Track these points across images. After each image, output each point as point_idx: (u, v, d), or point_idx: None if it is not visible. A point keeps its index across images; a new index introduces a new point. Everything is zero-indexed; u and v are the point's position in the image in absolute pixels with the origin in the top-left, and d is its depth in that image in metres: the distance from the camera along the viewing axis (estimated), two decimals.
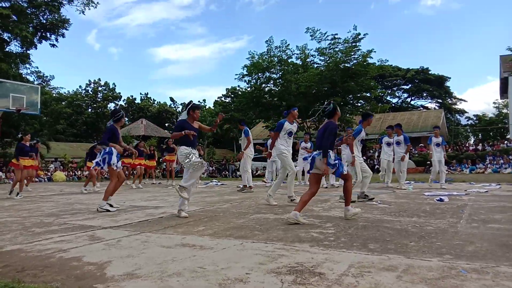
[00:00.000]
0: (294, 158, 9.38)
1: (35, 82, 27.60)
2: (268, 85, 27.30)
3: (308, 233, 3.97)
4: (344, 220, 4.78)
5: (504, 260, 2.77)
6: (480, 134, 44.78)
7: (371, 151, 23.39)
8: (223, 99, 49.15)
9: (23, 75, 25.45)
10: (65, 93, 47.56)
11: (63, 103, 43.45)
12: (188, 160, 5.21)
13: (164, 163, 15.36)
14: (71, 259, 3.04)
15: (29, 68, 26.97)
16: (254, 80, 26.78)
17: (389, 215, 5.13)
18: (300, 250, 3.20)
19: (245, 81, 27.23)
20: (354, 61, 23.71)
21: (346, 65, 23.77)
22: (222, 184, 14.13)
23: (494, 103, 46.41)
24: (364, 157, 22.89)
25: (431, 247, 3.23)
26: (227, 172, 26.05)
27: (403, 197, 7.62)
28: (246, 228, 4.32)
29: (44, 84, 29.65)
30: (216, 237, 3.83)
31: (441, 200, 6.72)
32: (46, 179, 22.11)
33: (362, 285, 2.27)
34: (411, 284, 2.27)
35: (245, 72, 26.38)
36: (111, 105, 49.38)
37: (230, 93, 46.11)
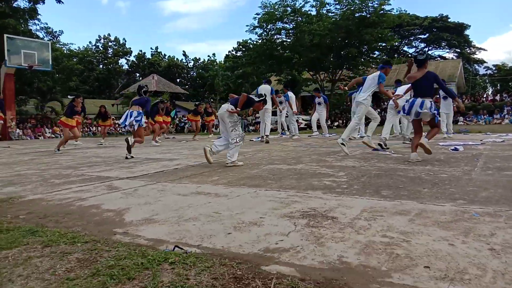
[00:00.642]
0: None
1: (45, 39, 27.37)
2: (280, 36, 26.59)
3: (321, 181, 4.00)
4: (357, 169, 4.79)
5: None
6: (498, 85, 43.49)
7: (385, 103, 22.99)
8: (234, 53, 48.28)
9: (33, 31, 25.23)
10: (75, 49, 47.24)
11: (74, 59, 43.31)
12: (235, 123, 5.62)
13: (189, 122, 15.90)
14: (90, 207, 3.14)
15: (38, 24, 26.69)
16: (266, 32, 26.09)
17: (403, 164, 5.12)
18: (313, 197, 3.24)
19: (256, 33, 26.55)
20: (371, 9, 22.75)
21: (362, 14, 22.87)
22: None
23: None
24: (379, 109, 22.60)
25: (445, 193, 3.23)
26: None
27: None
28: (260, 178, 4.37)
29: (54, 40, 29.40)
30: (230, 186, 3.90)
31: (456, 149, 6.65)
32: (61, 135, 22.51)
33: (374, 228, 2.30)
34: (424, 227, 2.29)
35: (256, 24, 25.66)
36: (122, 61, 49.09)
37: (241, 47, 45.21)
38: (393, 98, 7.67)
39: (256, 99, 5.97)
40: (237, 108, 5.63)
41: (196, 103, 16.47)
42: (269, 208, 2.88)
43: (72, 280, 1.66)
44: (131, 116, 7.40)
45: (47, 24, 39.30)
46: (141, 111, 7.52)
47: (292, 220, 2.53)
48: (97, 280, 1.66)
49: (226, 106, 5.63)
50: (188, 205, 3.07)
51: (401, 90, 8.41)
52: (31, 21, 25.14)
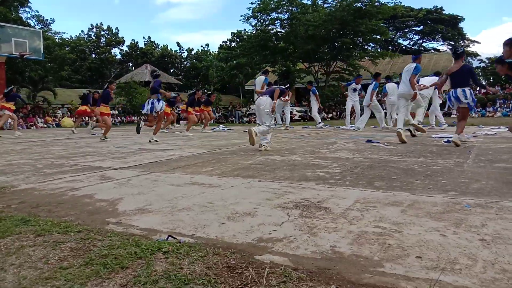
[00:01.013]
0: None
1: (36, 27, 26.99)
2: (274, 27, 26.45)
3: (314, 172, 4.01)
4: (350, 161, 4.81)
5: (509, 196, 2.79)
6: (491, 78, 43.72)
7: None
8: (228, 43, 47.98)
9: (24, 19, 24.85)
10: (67, 38, 46.63)
11: (66, 48, 42.79)
12: (269, 112, 6.23)
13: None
14: (83, 197, 3.12)
15: (29, 12, 26.30)
16: (260, 22, 25.93)
17: (396, 156, 5.15)
18: (306, 188, 3.25)
19: (250, 23, 26.40)
20: (367, 0, 22.69)
21: (358, 4, 22.79)
22: (229, 129, 14.19)
23: None
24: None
25: (437, 185, 3.26)
26: (233, 118, 26.07)
27: (410, 139, 7.60)
28: (253, 169, 4.38)
29: (45, 28, 29.05)
30: (224, 177, 3.90)
31: (448, 142, 6.70)
32: (54, 125, 22.34)
33: (367, 218, 2.32)
34: (416, 218, 2.31)
35: (250, 14, 25.49)
36: (115, 50, 48.58)
37: (235, 37, 44.94)
38: (418, 87, 7.77)
39: (282, 87, 6.98)
40: (274, 100, 6.30)
41: (209, 92, 16.23)
42: (262, 198, 2.89)
43: (65, 269, 1.66)
44: (148, 104, 8.43)
45: (38, 12, 38.65)
46: (154, 99, 8.35)
47: (286, 210, 2.54)
48: (90, 269, 1.65)
49: (266, 99, 6.26)
50: (181, 195, 3.07)
51: (427, 81, 8.81)
52: (21, 9, 24.77)
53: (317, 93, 13.77)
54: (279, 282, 1.50)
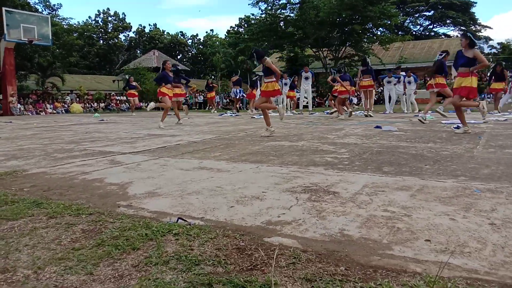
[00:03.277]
0: None
1: (44, 12, 26.97)
2: (284, 11, 26.09)
3: (322, 158, 4.01)
4: (359, 146, 4.80)
5: None
6: (503, 63, 42.93)
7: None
8: (236, 28, 47.56)
9: (31, 5, 24.84)
10: (75, 24, 46.60)
11: (74, 34, 42.80)
12: None
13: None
14: (93, 180, 3.16)
15: None
16: (270, 6, 25.58)
17: (405, 142, 5.12)
18: (315, 173, 3.25)
19: (259, 7, 26.07)
20: None
21: None
22: (236, 115, 14.18)
23: None
24: (381, 88, 22.35)
25: (446, 170, 3.24)
26: (241, 104, 26.00)
27: (419, 125, 7.55)
28: (262, 154, 4.38)
29: (52, 14, 28.99)
30: (233, 162, 3.91)
31: (458, 127, 6.63)
32: (63, 111, 22.51)
33: (375, 203, 2.32)
34: (425, 202, 2.31)
35: None
36: (122, 36, 48.47)
37: (243, 23, 44.50)
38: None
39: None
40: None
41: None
42: (271, 183, 2.90)
43: (77, 250, 1.69)
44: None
45: None
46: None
47: (294, 194, 2.55)
48: (102, 250, 1.68)
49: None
50: (190, 179, 3.09)
51: None
52: None
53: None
54: (288, 264, 1.52)
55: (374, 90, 12.00)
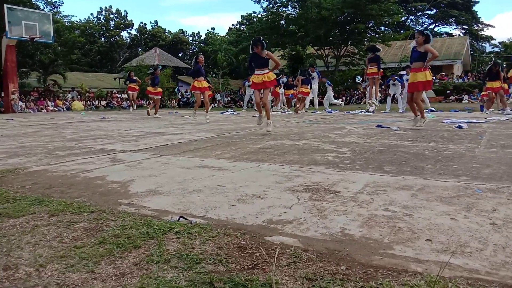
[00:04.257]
0: None
1: (45, 9, 26.97)
2: (286, 9, 26.07)
3: (324, 157, 4.01)
4: (360, 145, 4.80)
5: None
6: (505, 63, 42.81)
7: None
8: (237, 26, 47.53)
9: (33, 1, 24.84)
10: (76, 21, 46.60)
11: (76, 32, 42.81)
12: None
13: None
14: (95, 178, 3.16)
15: None
16: (272, 4, 25.57)
17: (406, 141, 5.12)
18: (316, 172, 3.25)
19: (261, 5, 26.07)
20: None
21: None
22: (237, 114, 14.19)
23: None
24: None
25: (448, 169, 3.24)
26: (242, 103, 26.00)
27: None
28: (263, 153, 4.38)
29: (54, 11, 29.00)
30: (234, 160, 3.92)
31: (460, 127, 6.63)
32: (64, 108, 22.53)
33: (376, 202, 2.32)
34: (426, 202, 2.31)
35: None
36: (124, 34, 48.45)
37: (245, 20, 44.46)
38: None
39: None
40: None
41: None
42: (272, 182, 2.90)
43: (79, 248, 1.69)
44: None
45: None
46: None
47: (295, 193, 2.55)
48: (104, 248, 1.69)
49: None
50: (192, 178, 3.09)
51: None
52: None
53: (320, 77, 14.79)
54: (289, 263, 1.52)
55: (379, 79, 11.98)
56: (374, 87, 11.79)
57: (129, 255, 1.62)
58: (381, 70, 12.03)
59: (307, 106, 15.10)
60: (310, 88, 14.21)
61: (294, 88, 14.94)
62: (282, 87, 15.90)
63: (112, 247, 1.68)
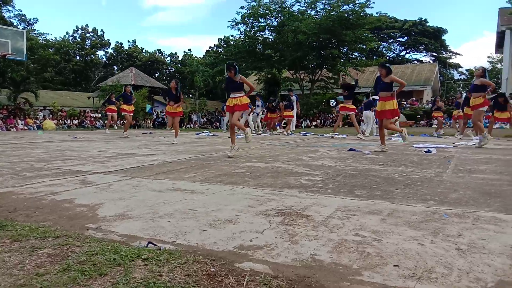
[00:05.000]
0: None
1: (19, 26, 26.53)
2: (263, 33, 26.59)
3: (297, 180, 4.04)
4: (333, 169, 4.86)
5: (485, 206, 2.86)
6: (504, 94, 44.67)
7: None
8: (214, 49, 48.00)
9: (6, 18, 24.41)
10: (51, 39, 45.96)
11: (51, 50, 42.15)
12: None
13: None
14: (62, 201, 3.07)
15: (12, 11, 25.84)
16: (249, 28, 26.04)
17: (377, 165, 5.22)
18: (289, 195, 3.27)
19: (238, 29, 26.49)
20: (353, 7, 23.11)
21: (345, 13, 23.18)
22: (213, 135, 14.16)
23: (489, 57, 46.15)
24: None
25: (416, 194, 3.32)
26: (218, 124, 26.01)
27: (391, 148, 7.72)
28: (237, 175, 4.38)
29: (28, 28, 28.58)
30: (207, 183, 3.89)
31: (429, 151, 6.83)
32: (35, 127, 21.92)
33: (347, 227, 2.34)
34: (395, 226, 2.35)
35: (239, 19, 25.59)
36: (100, 53, 48.05)
37: (222, 43, 44.99)
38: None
39: None
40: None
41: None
42: (245, 205, 2.90)
43: (41, 276, 1.63)
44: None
45: (21, 11, 37.99)
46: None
47: (268, 218, 2.55)
48: (68, 275, 1.63)
49: None
50: (163, 201, 3.05)
51: None
52: (4, 7, 24.31)
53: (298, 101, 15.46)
54: None
55: (354, 115, 12.26)
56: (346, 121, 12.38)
57: (94, 283, 1.57)
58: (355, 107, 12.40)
59: (293, 128, 15.72)
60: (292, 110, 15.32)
61: (278, 111, 15.54)
62: (262, 113, 16.45)
63: (76, 275, 1.63)
